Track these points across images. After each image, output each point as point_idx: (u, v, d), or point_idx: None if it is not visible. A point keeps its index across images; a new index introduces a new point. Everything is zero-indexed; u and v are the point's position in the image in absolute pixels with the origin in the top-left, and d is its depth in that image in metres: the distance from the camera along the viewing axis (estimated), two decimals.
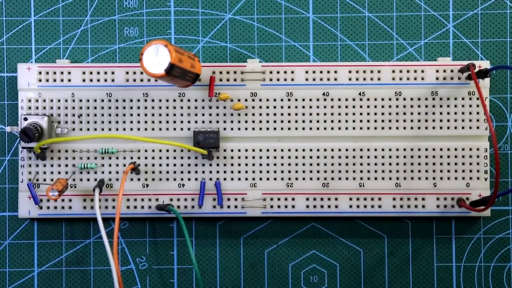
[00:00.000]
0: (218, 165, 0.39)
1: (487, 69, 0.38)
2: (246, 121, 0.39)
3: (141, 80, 0.39)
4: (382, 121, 0.39)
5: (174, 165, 0.39)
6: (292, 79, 0.39)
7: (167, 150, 0.39)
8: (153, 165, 0.39)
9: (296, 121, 0.39)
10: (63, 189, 0.38)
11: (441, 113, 0.39)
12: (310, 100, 0.39)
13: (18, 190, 0.39)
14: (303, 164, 0.39)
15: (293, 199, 0.39)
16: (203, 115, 0.39)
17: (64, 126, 0.39)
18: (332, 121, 0.39)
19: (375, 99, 0.39)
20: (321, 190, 0.39)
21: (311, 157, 0.39)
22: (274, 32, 0.41)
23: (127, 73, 0.39)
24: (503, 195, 0.40)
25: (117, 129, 0.39)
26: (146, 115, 0.39)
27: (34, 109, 0.39)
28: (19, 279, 0.40)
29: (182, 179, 0.39)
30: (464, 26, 0.41)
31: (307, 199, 0.39)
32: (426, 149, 0.39)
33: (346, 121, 0.39)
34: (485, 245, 0.41)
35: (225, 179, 0.39)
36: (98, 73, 0.39)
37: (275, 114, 0.39)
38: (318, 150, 0.39)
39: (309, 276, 0.41)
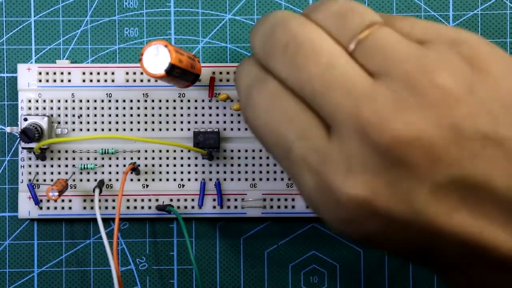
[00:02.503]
0: (218, 165, 0.39)
1: None
2: None
3: (141, 81, 0.39)
4: None
5: (174, 165, 0.39)
6: None
7: (167, 151, 0.39)
8: (153, 165, 0.39)
9: None
10: (63, 190, 0.38)
11: None
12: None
13: (18, 191, 0.39)
14: None
15: (293, 199, 0.39)
16: (203, 115, 0.39)
17: (64, 126, 0.39)
18: None
19: None
20: None
21: None
22: None
23: (127, 73, 0.39)
24: None
25: (117, 130, 0.39)
26: (146, 115, 0.39)
27: (34, 110, 0.39)
28: (19, 280, 0.40)
29: (182, 180, 0.39)
30: (464, 27, 0.41)
31: None
32: None
33: None
34: None
35: (225, 179, 0.39)
36: (98, 73, 0.39)
37: None
38: None
39: (309, 276, 0.41)
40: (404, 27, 0.27)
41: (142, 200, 0.39)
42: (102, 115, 0.39)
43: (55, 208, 0.39)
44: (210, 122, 0.39)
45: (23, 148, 0.39)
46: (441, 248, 0.25)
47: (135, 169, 0.39)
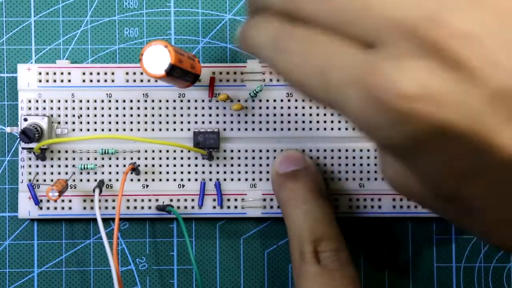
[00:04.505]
0: (218, 165, 0.39)
1: None
2: (246, 122, 0.39)
3: (141, 81, 0.39)
4: None
5: (174, 165, 0.39)
6: None
7: (167, 151, 0.39)
8: (153, 165, 0.39)
9: (296, 122, 0.39)
10: (63, 190, 0.38)
11: None
12: (310, 100, 0.39)
13: (18, 191, 0.39)
14: None
15: None
16: (203, 115, 0.39)
17: (64, 126, 0.39)
18: (332, 122, 0.39)
19: None
20: None
21: (310, 158, 0.39)
22: None
23: (127, 73, 0.39)
24: None
25: (117, 130, 0.39)
26: (146, 115, 0.39)
27: (34, 110, 0.39)
28: (19, 280, 0.40)
29: (182, 180, 0.39)
30: None
31: None
32: None
33: (346, 122, 0.39)
34: (485, 246, 0.41)
35: (225, 179, 0.39)
36: (98, 73, 0.39)
37: (275, 115, 0.39)
38: (318, 150, 0.39)
39: None
40: None
41: (142, 200, 0.39)
42: (102, 115, 0.39)
43: (55, 208, 0.39)
44: (210, 122, 0.39)
45: (23, 148, 0.39)
46: (486, 168, 0.24)
47: (135, 169, 0.39)
